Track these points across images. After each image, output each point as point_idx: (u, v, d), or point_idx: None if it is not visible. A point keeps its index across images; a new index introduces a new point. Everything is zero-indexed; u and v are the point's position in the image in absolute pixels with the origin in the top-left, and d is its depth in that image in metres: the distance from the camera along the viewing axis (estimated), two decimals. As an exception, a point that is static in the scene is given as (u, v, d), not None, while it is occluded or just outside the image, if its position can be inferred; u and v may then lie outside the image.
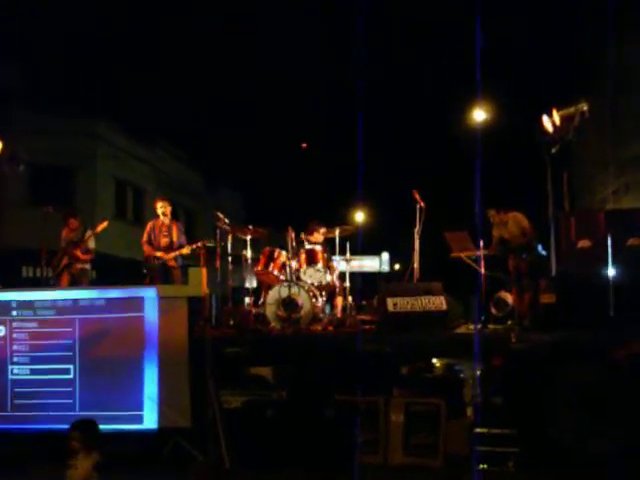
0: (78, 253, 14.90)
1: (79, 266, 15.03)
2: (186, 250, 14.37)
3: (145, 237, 14.63)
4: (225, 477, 11.10)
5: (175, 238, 14.50)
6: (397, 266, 38.65)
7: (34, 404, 12.18)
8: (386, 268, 40.46)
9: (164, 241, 14.44)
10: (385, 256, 40.54)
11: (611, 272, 11.69)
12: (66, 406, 12.02)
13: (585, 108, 13.67)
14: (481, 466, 11.27)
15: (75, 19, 33.30)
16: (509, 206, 13.57)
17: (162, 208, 14.65)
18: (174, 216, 15.25)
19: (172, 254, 14.34)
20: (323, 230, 14.65)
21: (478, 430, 11.56)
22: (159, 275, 14.28)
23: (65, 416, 11.92)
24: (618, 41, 33.94)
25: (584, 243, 11.83)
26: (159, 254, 14.30)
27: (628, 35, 33.12)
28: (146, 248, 14.53)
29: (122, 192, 34.42)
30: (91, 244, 15.12)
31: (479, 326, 12.80)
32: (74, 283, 14.77)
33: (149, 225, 14.84)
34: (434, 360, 14.13)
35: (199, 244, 14.12)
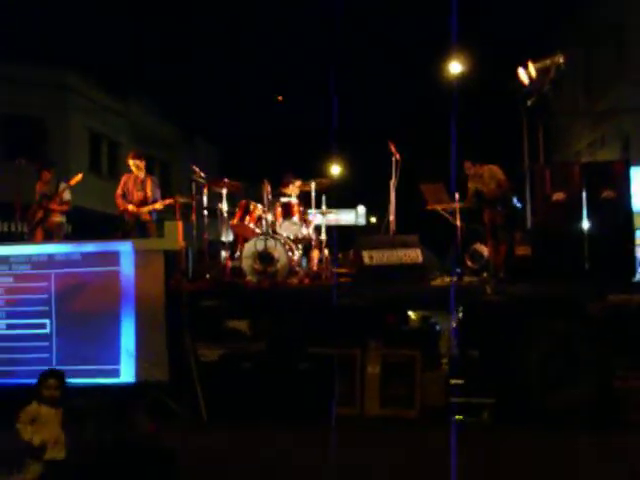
0: (53, 206, 14.76)
1: (54, 219, 14.87)
2: (159, 205, 14.30)
3: (119, 191, 14.51)
4: (202, 429, 11.14)
5: (149, 192, 14.39)
6: (373, 219, 38.73)
7: (11, 359, 12.15)
8: (362, 221, 40.48)
9: (138, 195, 14.31)
10: (361, 209, 40.54)
11: (586, 225, 11.74)
12: (43, 360, 11.98)
13: (561, 60, 13.66)
14: (457, 417, 11.40)
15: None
16: (485, 158, 13.60)
17: (135, 163, 14.55)
18: (149, 170, 15.14)
19: (145, 208, 14.24)
20: (298, 183, 14.62)
21: (453, 381, 11.69)
22: (133, 229, 14.20)
23: (42, 371, 11.97)
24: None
25: (559, 195, 11.85)
26: (131, 207, 14.20)
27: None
28: (120, 202, 14.41)
29: (96, 145, 34.08)
30: (66, 196, 14.94)
31: (454, 278, 12.86)
32: (49, 237, 14.62)
33: (123, 179, 14.71)
34: (410, 312, 14.18)
35: (172, 200, 14.09)
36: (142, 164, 14.61)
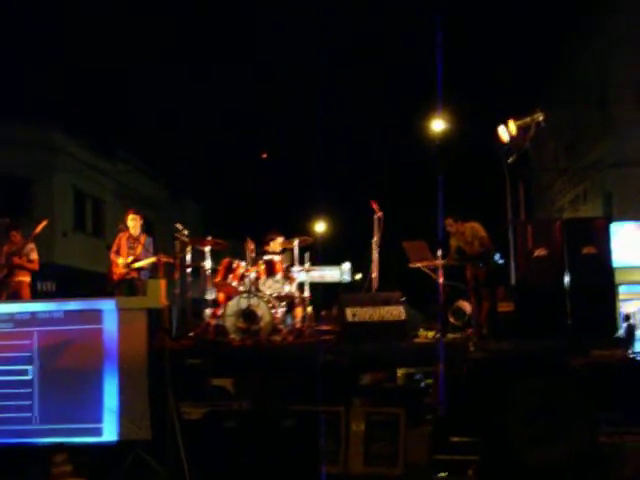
0: (18, 261, 14.69)
1: (19, 278, 14.79)
2: (142, 264, 14.27)
3: (114, 247, 14.50)
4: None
5: (138, 252, 14.39)
6: (358, 276, 38.71)
7: (-8, 417, 12.08)
8: (347, 278, 40.34)
9: (128, 252, 14.33)
10: (346, 266, 40.43)
11: (568, 280, 11.81)
12: (25, 420, 11.92)
13: (541, 118, 13.81)
14: (441, 474, 11.35)
15: (33, 24, 33.18)
16: (467, 216, 13.68)
17: (133, 220, 14.58)
18: (145, 230, 15.13)
19: (134, 264, 14.21)
20: (280, 239, 14.69)
21: (437, 439, 11.66)
22: (121, 286, 14.18)
23: (23, 430, 11.88)
24: (573, 54, 34.44)
25: (540, 252, 11.93)
26: (121, 261, 14.17)
27: (582, 49, 33.58)
28: (112, 258, 14.40)
29: (81, 203, 34.11)
30: (34, 255, 14.90)
31: (438, 335, 12.88)
32: (10, 297, 14.56)
33: (119, 236, 14.69)
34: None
35: (155, 258, 14.11)
36: (139, 222, 14.65)
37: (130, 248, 14.34)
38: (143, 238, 14.60)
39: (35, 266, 14.97)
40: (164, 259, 14.06)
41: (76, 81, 35.39)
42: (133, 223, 14.58)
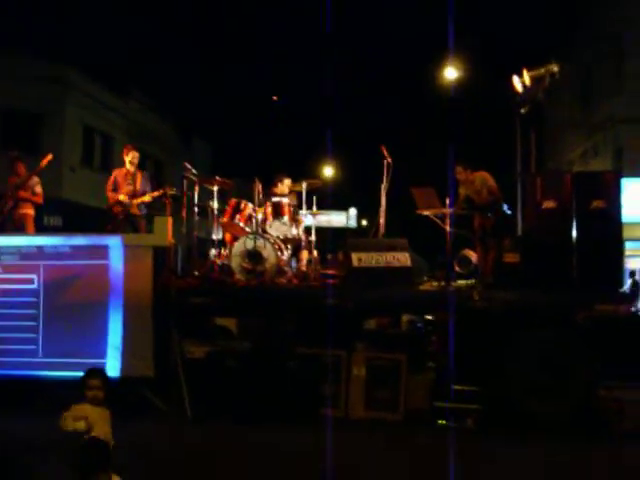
0: (23, 194, 14.69)
1: (24, 211, 14.78)
2: (148, 197, 14.17)
3: (109, 185, 14.47)
4: (187, 426, 11.13)
5: (139, 186, 14.36)
6: (365, 222, 38.75)
7: (-3, 349, 12.17)
8: (353, 224, 40.43)
9: (127, 189, 14.24)
10: (352, 211, 40.50)
11: (575, 234, 11.76)
12: (29, 352, 12.02)
13: (555, 69, 13.66)
14: (440, 421, 11.42)
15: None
16: (477, 165, 13.60)
17: (130, 156, 14.51)
18: (140, 166, 15.07)
19: (134, 201, 14.18)
20: (287, 182, 14.63)
21: (439, 386, 11.70)
22: (123, 223, 14.15)
23: (28, 362, 11.98)
24: (590, 6, 34.07)
25: (549, 204, 11.87)
26: (122, 197, 14.11)
27: (600, 5, 33.24)
28: (110, 195, 14.36)
29: (90, 139, 34.01)
30: (38, 189, 14.88)
31: (442, 283, 12.88)
32: (15, 229, 14.58)
33: (114, 173, 14.67)
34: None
35: (161, 191, 14.05)
36: (135, 159, 14.57)
37: (128, 184, 14.29)
38: (139, 174, 14.54)
39: (39, 199, 14.95)
40: (170, 192, 14.00)
41: (91, 18, 35.09)
42: (130, 158, 14.50)
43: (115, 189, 14.32)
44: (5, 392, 11.54)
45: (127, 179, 14.32)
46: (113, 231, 13.75)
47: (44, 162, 14.75)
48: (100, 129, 34.58)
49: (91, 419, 6.64)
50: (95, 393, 6.75)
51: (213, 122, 44.09)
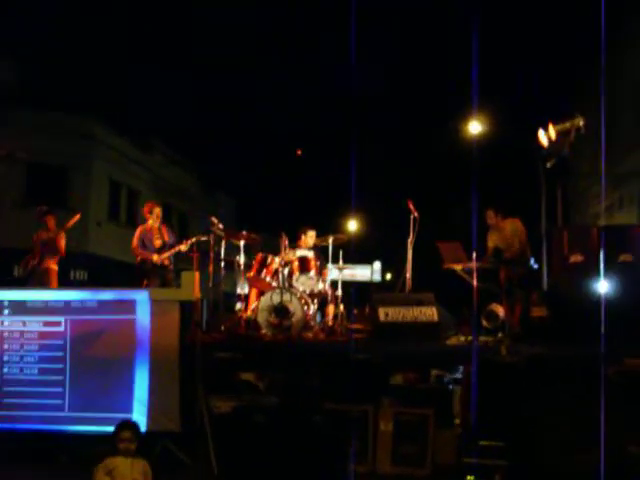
0: (47, 257, 14.83)
1: (45, 265, 14.93)
2: (184, 247, 14.24)
3: (136, 242, 14.53)
4: (213, 482, 11.08)
5: (167, 239, 14.48)
6: (389, 276, 38.68)
7: (24, 404, 12.18)
8: (378, 277, 40.22)
9: (157, 243, 14.39)
10: (377, 265, 40.39)
11: (603, 287, 11.71)
12: (56, 406, 12.04)
13: (581, 123, 13.66)
14: (468, 477, 11.30)
15: (74, 15, 33.32)
16: (508, 211, 13.59)
17: (154, 211, 14.60)
18: (167, 220, 15.19)
19: (166, 253, 14.26)
20: (312, 234, 14.69)
21: (466, 441, 11.60)
22: (155, 278, 14.23)
23: (54, 417, 11.99)
24: (613, 60, 34.16)
25: (576, 258, 11.84)
26: (155, 258, 14.21)
27: (622, 53, 33.32)
28: (140, 252, 14.42)
29: (116, 193, 34.26)
30: (62, 243, 15.02)
31: (469, 338, 12.82)
32: (39, 284, 14.66)
33: (139, 230, 14.75)
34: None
35: (194, 239, 14.13)
36: (159, 212, 14.67)
37: (157, 239, 14.39)
38: (164, 227, 14.66)
39: (62, 252, 15.03)
40: (203, 238, 14.10)
41: (116, 71, 35.48)
42: (156, 214, 14.59)
43: (143, 245, 14.39)
44: (29, 447, 11.57)
45: (154, 233, 14.41)
46: (148, 286, 13.85)
47: (72, 221, 14.93)
48: (126, 183, 34.82)
49: (120, 470, 6.66)
50: (127, 445, 6.77)
51: (237, 176, 44.21)
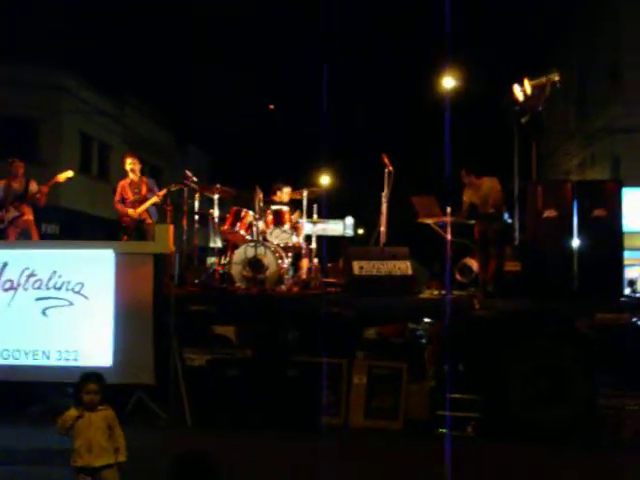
0: (25, 208, 14.69)
1: (25, 217, 14.79)
2: (156, 199, 14.14)
3: (117, 197, 14.41)
4: (186, 435, 11.08)
5: (144, 192, 14.32)
6: (361, 231, 38.75)
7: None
8: (350, 232, 40.35)
9: (130, 197, 14.25)
10: (349, 220, 40.43)
11: (576, 243, 11.77)
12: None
13: (557, 78, 13.63)
14: (440, 430, 11.39)
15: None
16: (482, 170, 13.58)
17: (131, 165, 14.45)
18: (141, 173, 15.01)
19: (140, 208, 14.10)
20: (287, 190, 14.62)
21: (439, 394, 11.68)
22: (134, 232, 14.11)
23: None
24: (588, 15, 34.18)
25: (550, 213, 11.87)
26: (130, 212, 14.08)
27: (597, 11, 33.35)
28: (119, 207, 14.30)
29: (87, 146, 33.91)
30: (34, 188, 14.84)
31: (443, 292, 12.85)
32: (21, 236, 14.60)
33: (120, 185, 14.60)
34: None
35: (164, 190, 14.03)
36: (137, 166, 14.52)
37: (135, 193, 14.24)
38: (144, 181, 14.49)
39: (41, 204, 14.93)
40: (173, 188, 14.03)
41: (87, 23, 35.08)
42: (131, 166, 14.45)
43: (122, 200, 14.26)
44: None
45: (133, 188, 14.28)
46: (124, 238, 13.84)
47: (63, 177, 14.77)
48: (97, 137, 34.48)
49: (81, 425, 6.64)
50: (91, 397, 6.72)
51: (209, 130, 43.97)
